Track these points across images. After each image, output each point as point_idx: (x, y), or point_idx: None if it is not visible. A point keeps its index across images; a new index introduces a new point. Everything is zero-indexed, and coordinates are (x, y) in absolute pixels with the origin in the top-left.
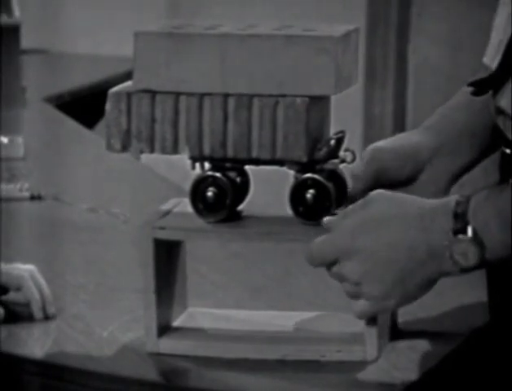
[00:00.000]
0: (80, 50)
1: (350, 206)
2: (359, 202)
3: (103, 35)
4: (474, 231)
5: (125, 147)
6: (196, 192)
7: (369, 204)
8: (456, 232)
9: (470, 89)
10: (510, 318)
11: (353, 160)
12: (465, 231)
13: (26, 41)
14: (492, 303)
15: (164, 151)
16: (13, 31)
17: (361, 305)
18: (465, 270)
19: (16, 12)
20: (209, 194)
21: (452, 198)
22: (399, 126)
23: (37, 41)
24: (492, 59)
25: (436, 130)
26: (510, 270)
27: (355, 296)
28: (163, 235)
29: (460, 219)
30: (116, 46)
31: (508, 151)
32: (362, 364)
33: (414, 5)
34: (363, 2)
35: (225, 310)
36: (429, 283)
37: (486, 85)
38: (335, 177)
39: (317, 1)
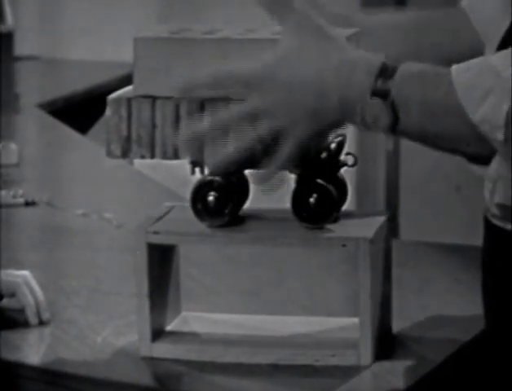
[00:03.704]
0: (73, 56)
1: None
2: (289, 29)
3: (96, 41)
4: (392, 102)
5: (125, 153)
6: (197, 197)
7: (296, 36)
8: (373, 94)
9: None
10: (506, 324)
11: (354, 163)
12: (382, 96)
13: (19, 47)
14: (487, 309)
15: (165, 156)
16: (6, 38)
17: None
18: (372, 129)
19: (9, 19)
20: (211, 198)
21: (377, 58)
22: None
23: (30, 48)
24: (480, 21)
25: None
26: (505, 277)
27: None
28: (156, 239)
29: (381, 84)
30: (109, 51)
31: None
32: (356, 369)
33: (409, 6)
34: (357, 4)
35: (219, 315)
36: (336, 127)
37: None
38: (336, 180)
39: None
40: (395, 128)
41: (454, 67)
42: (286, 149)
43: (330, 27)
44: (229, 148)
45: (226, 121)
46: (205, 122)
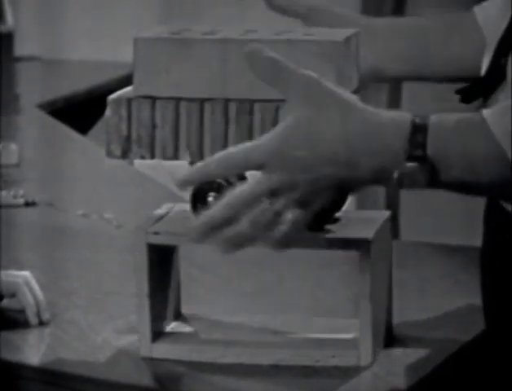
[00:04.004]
0: (73, 56)
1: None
2: (295, 95)
3: (96, 42)
4: (431, 163)
5: (125, 154)
6: (197, 197)
7: (307, 103)
8: (409, 158)
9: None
10: (506, 324)
11: None
12: (420, 160)
13: (19, 48)
14: (487, 310)
15: (165, 156)
16: (6, 38)
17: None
18: (409, 189)
19: (9, 20)
20: (211, 199)
21: (405, 118)
22: None
23: (30, 48)
24: (489, 29)
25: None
26: (504, 277)
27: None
28: (157, 239)
29: (416, 148)
30: (109, 52)
31: None
32: (356, 370)
33: (409, 6)
34: (357, 6)
35: (219, 315)
36: (362, 189)
37: (474, 93)
38: None
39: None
40: (435, 185)
41: (486, 113)
42: (301, 220)
43: (339, 88)
44: (245, 229)
45: (241, 204)
46: (219, 206)
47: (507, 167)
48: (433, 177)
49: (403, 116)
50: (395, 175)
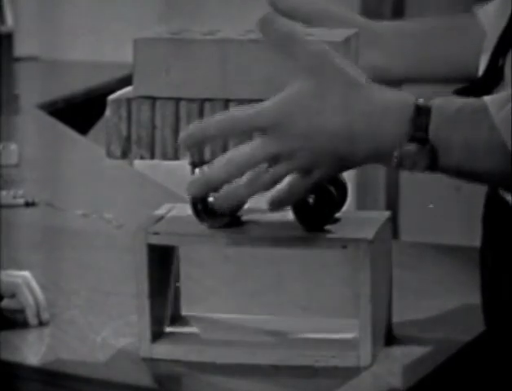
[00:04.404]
0: (73, 56)
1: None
2: (303, 67)
3: (96, 42)
4: (431, 146)
5: (125, 154)
6: (197, 198)
7: (313, 75)
8: (410, 140)
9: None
10: (506, 325)
11: None
12: (420, 142)
13: (19, 48)
14: (487, 310)
15: (165, 157)
16: (6, 38)
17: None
18: (409, 171)
19: (9, 20)
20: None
21: (408, 100)
22: None
23: (30, 49)
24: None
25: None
26: (504, 278)
27: (276, 175)
28: (156, 240)
29: (418, 130)
30: (109, 52)
31: None
32: (356, 370)
33: (409, 6)
34: (357, 6)
35: (219, 315)
36: (363, 164)
37: (472, 93)
38: (337, 181)
39: None
40: (434, 168)
41: (489, 101)
42: (298, 187)
43: (349, 63)
44: (241, 189)
45: (241, 166)
46: (219, 165)
47: (507, 155)
48: (433, 161)
49: (406, 98)
50: (396, 155)
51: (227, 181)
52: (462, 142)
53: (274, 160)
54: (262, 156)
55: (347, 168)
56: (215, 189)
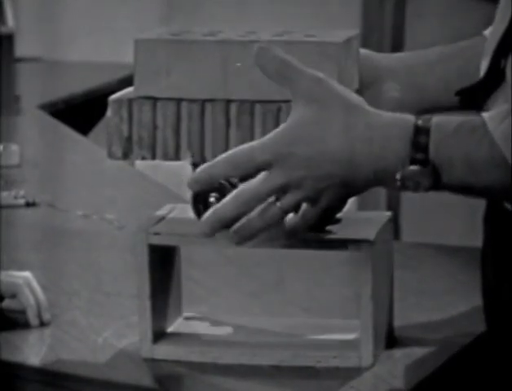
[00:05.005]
0: (74, 57)
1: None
2: (302, 94)
3: (97, 43)
4: (433, 166)
5: (126, 154)
6: (199, 198)
7: (312, 103)
8: (412, 161)
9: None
10: (507, 326)
11: None
12: (423, 163)
13: (20, 49)
14: (488, 311)
15: (166, 157)
16: (7, 39)
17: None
18: (412, 192)
19: (10, 21)
20: (212, 200)
21: (408, 120)
22: None
23: (31, 49)
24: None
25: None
26: (505, 279)
27: (285, 208)
28: (158, 240)
29: (419, 151)
30: (110, 52)
31: None
32: (357, 371)
33: (409, 7)
34: (358, 6)
35: (220, 316)
36: (365, 191)
37: (474, 94)
38: None
39: (313, 4)
40: (437, 187)
41: (487, 117)
42: (310, 215)
43: (345, 89)
44: (254, 222)
45: (249, 202)
46: (228, 202)
47: (507, 169)
48: (435, 180)
49: (405, 119)
50: (398, 178)
51: (238, 217)
52: (463, 159)
53: (281, 191)
54: (268, 190)
55: (352, 194)
56: (228, 226)
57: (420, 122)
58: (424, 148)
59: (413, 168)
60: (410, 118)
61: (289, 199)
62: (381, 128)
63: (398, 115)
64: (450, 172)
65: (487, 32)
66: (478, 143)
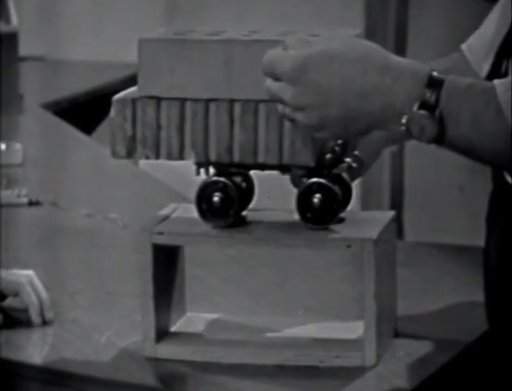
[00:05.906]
0: (77, 56)
1: (315, 38)
2: (324, 37)
3: (100, 42)
4: (441, 115)
5: (130, 154)
6: (203, 197)
7: (332, 40)
8: (420, 105)
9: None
10: (509, 325)
11: (360, 165)
12: (429, 108)
13: (23, 48)
14: (490, 310)
15: (169, 157)
16: (10, 38)
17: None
18: (415, 139)
19: (14, 20)
20: (216, 199)
21: (424, 68)
22: None
23: (34, 49)
24: (478, 63)
25: None
26: (508, 278)
27: (289, 118)
28: (161, 240)
29: (430, 95)
30: (113, 52)
31: None
32: (361, 370)
33: (412, 7)
34: (361, 6)
35: (223, 315)
36: (369, 131)
37: None
38: (341, 181)
39: (315, 3)
40: (441, 140)
41: (497, 82)
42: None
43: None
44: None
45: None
46: None
47: (509, 136)
48: (440, 131)
49: (422, 67)
50: (404, 121)
51: None
52: (470, 116)
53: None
54: (274, 97)
55: (354, 133)
56: None
57: (435, 73)
58: (435, 96)
59: (421, 111)
60: (426, 67)
61: (293, 114)
62: (397, 66)
63: (416, 62)
64: (456, 126)
65: (464, 46)
66: (486, 105)
